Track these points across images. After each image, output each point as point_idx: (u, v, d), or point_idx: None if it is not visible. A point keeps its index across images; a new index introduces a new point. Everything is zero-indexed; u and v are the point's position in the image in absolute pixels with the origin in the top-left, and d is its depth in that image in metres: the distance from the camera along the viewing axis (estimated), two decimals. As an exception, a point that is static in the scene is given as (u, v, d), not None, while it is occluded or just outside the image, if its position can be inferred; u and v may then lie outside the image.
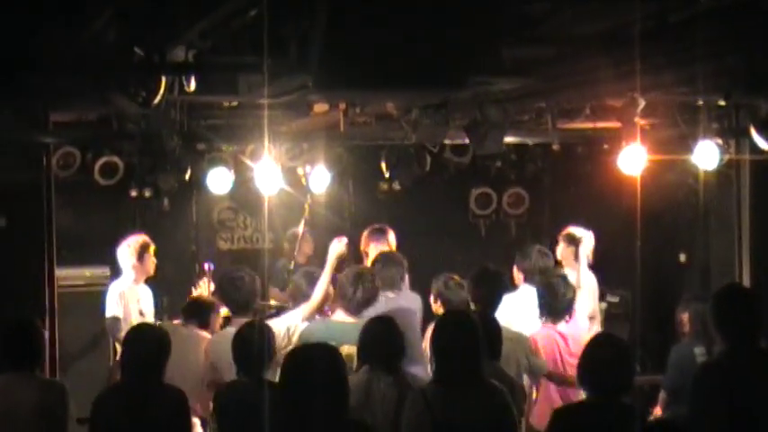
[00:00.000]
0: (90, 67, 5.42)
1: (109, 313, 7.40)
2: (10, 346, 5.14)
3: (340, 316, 6.04)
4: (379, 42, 4.41)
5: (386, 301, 6.39)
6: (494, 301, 6.29)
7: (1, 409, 5.04)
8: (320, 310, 6.32)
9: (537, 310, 6.44)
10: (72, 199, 8.76)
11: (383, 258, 6.77)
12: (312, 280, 6.41)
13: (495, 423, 4.55)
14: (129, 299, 7.42)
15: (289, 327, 6.10)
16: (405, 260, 6.82)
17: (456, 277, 6.65)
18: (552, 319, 6.30)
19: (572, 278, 8.13)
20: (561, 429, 4.49)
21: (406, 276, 6.83)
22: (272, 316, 6.83)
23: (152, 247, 7.53)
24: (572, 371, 6.10)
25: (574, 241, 8.12)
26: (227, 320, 6.72)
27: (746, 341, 4.67)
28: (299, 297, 6.47)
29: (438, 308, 6.64)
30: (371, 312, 5.91)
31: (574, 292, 6.42)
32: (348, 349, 5.60)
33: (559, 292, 6.32)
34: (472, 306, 6.36)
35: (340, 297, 6.07)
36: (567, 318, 6.32)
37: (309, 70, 4.56)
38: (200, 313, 6.50)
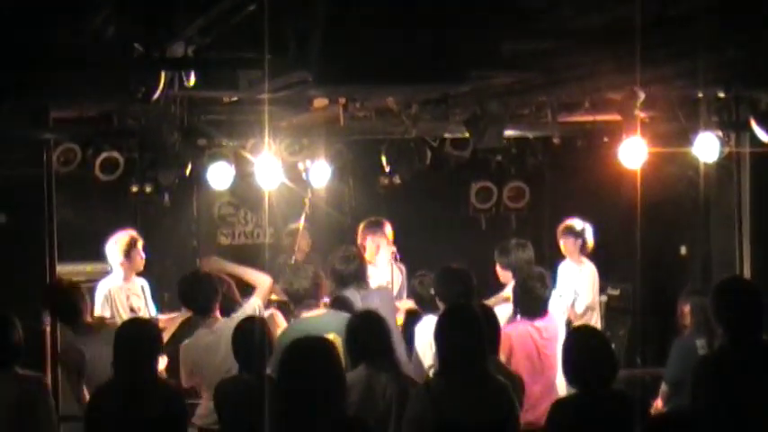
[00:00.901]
0: (90, 64, 5.42)
1: (95, 313, 7.36)
2: None
3: (306, 313, 6.05)
4: (379, 37, 4.40)
5: (361, 298, 6.46)
6: (459, 299, 6.22)
7: None
8: (271, 290, 6.49)
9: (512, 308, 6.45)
10: (73, 195, 8.76)
11: (344, 257, 6.78)
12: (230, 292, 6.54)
13: (500, 419, 4.56)
14: (117, 297, 7.38)
15: (254, 308, 6.24)
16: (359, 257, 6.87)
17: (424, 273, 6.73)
18: (528, 316, 6.29)
19: (576, 271, 8.19)
20: (560, 421, 4.51)
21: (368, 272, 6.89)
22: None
23: (140, 242, 7.49)
24: (548, 360, 6.16)
25: (576, 233, 8.17)
26: (187, 322, 6.76)
27: (747, 334, 4.68)
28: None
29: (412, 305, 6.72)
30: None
31: (550, 290, 6.41)
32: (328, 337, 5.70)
33: (535, 290, 6.29)
34: (439, 305, 6.36)
35: (293, 298, 6.11)
36: (542, 315, 6.31)
37: (309, 65, 4.56)
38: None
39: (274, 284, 6.78)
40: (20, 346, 5.14)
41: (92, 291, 7.58)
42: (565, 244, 8.22)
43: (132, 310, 7.39)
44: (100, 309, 7.35)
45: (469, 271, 6.41)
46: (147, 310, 7.52)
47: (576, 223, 8.25)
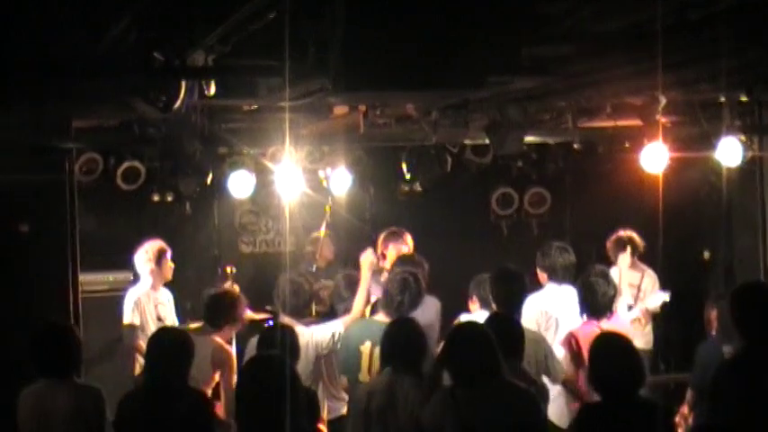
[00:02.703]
0: (111, 73, 5.45)
1: (125, 321, 7.42)
2: (45, 351, 5.13)
3: (381, 316, 6.09)
4: (398, 43, 4.40)
5: None
6: (516, 302, 6.26)
7: (37, 415, 5.05)
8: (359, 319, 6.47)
9: (578, 308, 6.41)
10: (95, 204, 8.80)
11: (402, 262, 6.80)
12: (351, 283, 6.55)
13: (523, 425, 4.54)
14: (146, 305, 7.43)
15: (334, 333, 6.29)
16: (424, 262, 6.86)
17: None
18: (594, 316, 6.25)
19: (635, 278, 8.20)
20: (586, 427, 4.48)
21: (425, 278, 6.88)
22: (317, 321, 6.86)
23: (169, 252, 7.55)
24: None
25: (625, 244, 8.15)
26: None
27: (765, 338, 4.64)
28: (337, 299, 6.60)
29: (476, 307, 6.71)
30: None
31: (615, 289, 6.37)
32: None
33: (599, 290, 6.25)
34: (494, 306, 6.35)
35: (385, 302, 6.15)
36: (608, 315, 6.26)
37: (328, 73, 4.56)
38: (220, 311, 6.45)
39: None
40: (79, 357, 5.17)
41: (119, 300, 7.64)
42: (622, 258, 8.17)
43: (159, 319, 7.43)
44: (130, 316, 7.39)
45: (522, 273, 6.40)
46: (173, 320, 7.55)
47: (625, 234, 8.23)
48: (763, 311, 4.67)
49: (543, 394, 5.37)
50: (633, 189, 8.35)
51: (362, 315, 6.53)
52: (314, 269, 8.52)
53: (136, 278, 7.82)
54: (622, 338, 4.76)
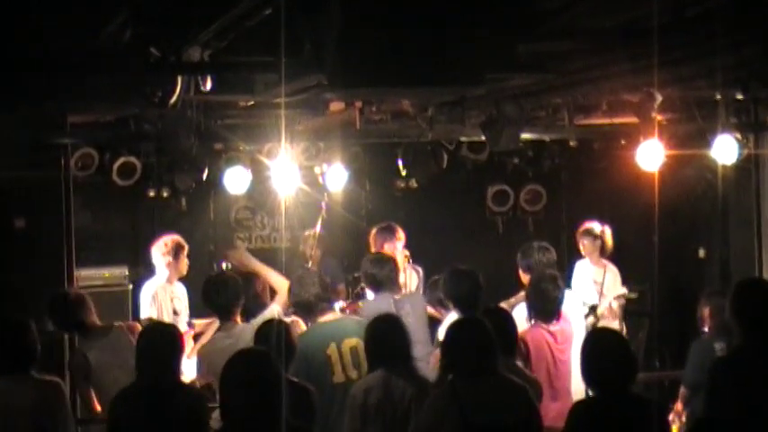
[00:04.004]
0: (106, 68, 5.44)
1: (143, 315, 7.40)
2: (3, 348, 5.09)
3: (321, 318, 6.03)
4: (394, 39, 4.40)
5: (394, 303, 6.46)
6: (471, 300, 6.12)
7: (0, 412, 5.02)
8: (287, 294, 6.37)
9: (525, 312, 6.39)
10: (90, 199, 8.80)
11: (376, 260, 6.76)
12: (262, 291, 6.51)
13: (520, 421, 4.59)
14: (163, 299, 7.41)
15: (273, 313, 6.17)
16: (392, 260, 6.86)
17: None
18: (542, 319, 6.24)
19: (598, 274, 8.22)
20: (579, 423, 4.49)
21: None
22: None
23: (186, 248, 7.54)
24: (563, 366, 6.12)
25: (594, 235, 8.22)
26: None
27: (763, 335, 4.65)
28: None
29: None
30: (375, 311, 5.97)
31: (563, 293, 6.36)
32: (351, 342, 5.74)
33: (550, 295, 6.24)
34: (451, 307, 6.32)
35: (301, 309, 6.09)
36: (557, 318, 6.27)
37: (324, 68, 4.56)
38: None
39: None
40: (36, 351, 5.13)
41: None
42: (584, 245, 8.30)
43: (175, 312, 7.41)
44: (148, 309, 7.37)
45: (477, 271, 6.38)
46: (187, 314, 7.54)
47: (595, 226, 8.35)
48: (763, 307, 4.69)
49: (537, 391, 5.37)
50: (629, 186, 8.36)
51: (285, 287, 6.40)
52: (309, 266, 8.51)
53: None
54: (617, 333, 4.78)
